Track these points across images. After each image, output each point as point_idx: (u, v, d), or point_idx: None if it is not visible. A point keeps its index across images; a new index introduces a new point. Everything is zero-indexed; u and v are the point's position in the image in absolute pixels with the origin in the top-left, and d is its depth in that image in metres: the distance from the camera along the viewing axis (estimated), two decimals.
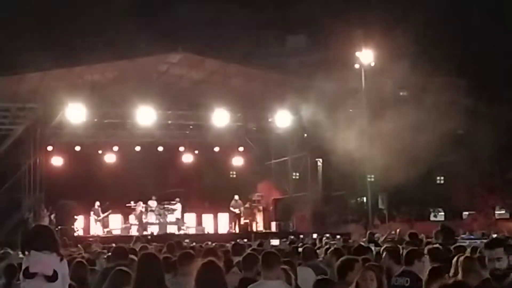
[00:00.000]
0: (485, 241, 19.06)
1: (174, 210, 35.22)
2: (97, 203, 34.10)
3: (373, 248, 14.03)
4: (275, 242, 22.88)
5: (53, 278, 7.67)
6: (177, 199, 35.35)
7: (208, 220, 37.19)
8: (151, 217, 34.84)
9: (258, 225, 37.24)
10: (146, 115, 33.22)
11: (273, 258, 8.18)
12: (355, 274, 8.44)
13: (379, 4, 34.79)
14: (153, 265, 7.26)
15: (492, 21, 40.70)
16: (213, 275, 6.76)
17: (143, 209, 34.67)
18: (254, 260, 8.88)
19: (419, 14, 37.67)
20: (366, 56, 32.41)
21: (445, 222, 23.13)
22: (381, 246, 15.40)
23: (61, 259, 7.96)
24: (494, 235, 25.04)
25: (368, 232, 28.27)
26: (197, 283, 6.83)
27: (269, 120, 36.28)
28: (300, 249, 15.40)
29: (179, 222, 34.92)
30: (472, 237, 28.43)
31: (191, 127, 36.65)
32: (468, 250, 12.52)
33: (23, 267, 7.79)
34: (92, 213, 34.34)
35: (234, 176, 39.97)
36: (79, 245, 20.90)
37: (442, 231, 16.88)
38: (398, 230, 26.75)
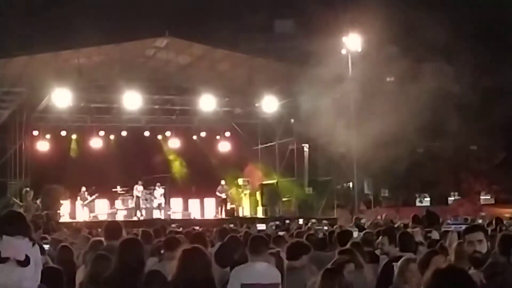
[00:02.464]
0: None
1: (159, 194, 35.20)
2: (83, 188, 33.98)
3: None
4: (261, 226, 22.99)
5: (25, 262, 7.65)
6: (158, 184, 35.20)
7: (194, 205, 37.16)
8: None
9: (245, 210, 37.35)
10: (132, 100, 33.16)
11: (261, 243, 8.15)
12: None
13: None
14: (135, 251, 7.23)
15: (482, 6, 40.81)
16: (197, 261, 6.69)
17: (139, 193, 34.67)
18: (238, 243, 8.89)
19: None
20: (353, 42, 32.36)
21: (430, 208, 23.16)
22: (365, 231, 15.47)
23: (33, 244, 7.92)
24: (480, 221, 25.21)
25: (354, 217, 28.44)
26: (179, 269, 6.76)
27: (256, 105, 36.26)
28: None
29: (165, 207, 34.95)
30: (457, 222, 28.50)
31: (177, 112, 36.51)
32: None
33: None
34: (78, 198, 34.21)
35: None
36: (65, 230, 20.92)
37: (427, 216, 16.97)
38: (383, 215, 26.93)
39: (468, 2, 40.83)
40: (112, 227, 9.73)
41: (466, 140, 36.79)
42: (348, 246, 9.53)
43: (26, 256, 7.67)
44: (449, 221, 28.17)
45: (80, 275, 8.59)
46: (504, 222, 19.37)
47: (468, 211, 36.05)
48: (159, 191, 34.97)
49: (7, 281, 7.61)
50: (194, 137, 40.06)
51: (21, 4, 55.92)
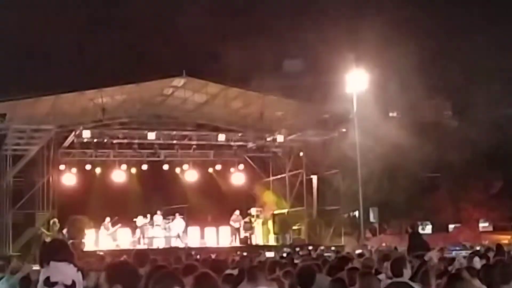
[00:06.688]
0: (469, 252, 20.30)
1: (179, 224, 36.36)
2: (108, 219, 35.26)
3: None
4: (270, 254, 24.21)
5: (72, 287, 7.98)
6: (177, 215, 36.50)
7: (210, 234, 38.14)
8: (157, 231, 36.08)
9: (258, 238, 38.39)
10: (152, 136, 34.83)
11: (257, 271, 8.39)
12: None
13: (370, 29, 36.01)
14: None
15: (479, 44, 42.10)
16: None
17: (147, 224, 35.96)
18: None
19: (409, 39, 39.06)
20: (357, 79, 33.10)
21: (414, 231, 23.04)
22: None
23: (78, 270, 8.25)
24: (478, 248, 26.45)
25: (361, 244, 29.76)
26: None
27: (268, 139, 37.31)
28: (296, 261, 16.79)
29: (182, 236, 36.16)
30: (457, 248, 29.59)
31: (194, 146, 37.50)
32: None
33: (43, 277, 8.03)
34: (102, 227, 35.48)
35: None
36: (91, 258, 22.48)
37: (412, 239, 18.42)
38: (388, 242, 28.24)
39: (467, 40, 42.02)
40: (140, 255, 10.61)
41: (464, 172, 37.85)
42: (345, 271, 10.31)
43: (73, 281, 8.00)
44: (449, 247, 29.58)
45: None
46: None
47: (467, 237, 37.15)
48: (179, 221, 36.26)
49: None
50: (210, 170, 41.00)
51: (49, 48, 57.66)
